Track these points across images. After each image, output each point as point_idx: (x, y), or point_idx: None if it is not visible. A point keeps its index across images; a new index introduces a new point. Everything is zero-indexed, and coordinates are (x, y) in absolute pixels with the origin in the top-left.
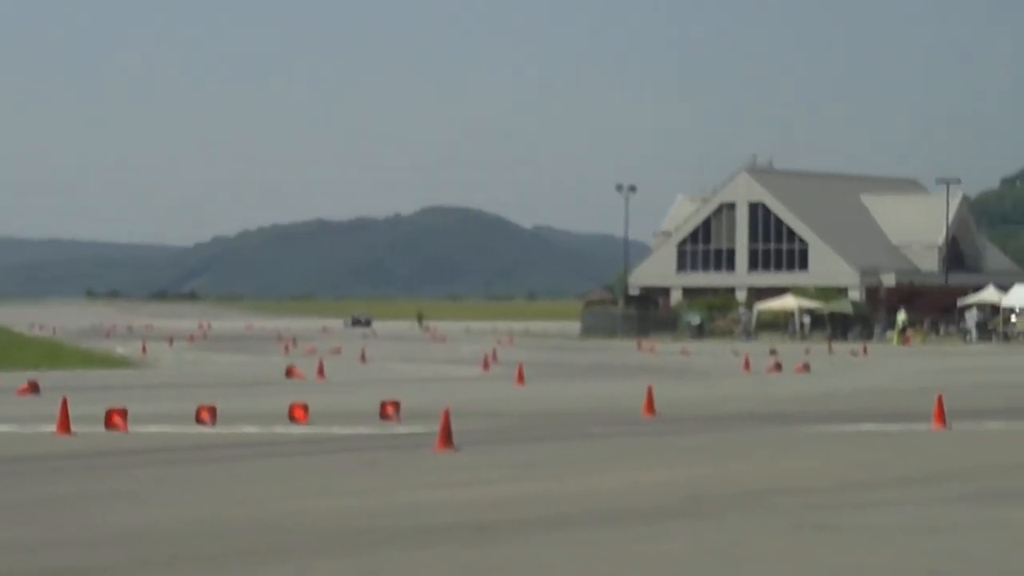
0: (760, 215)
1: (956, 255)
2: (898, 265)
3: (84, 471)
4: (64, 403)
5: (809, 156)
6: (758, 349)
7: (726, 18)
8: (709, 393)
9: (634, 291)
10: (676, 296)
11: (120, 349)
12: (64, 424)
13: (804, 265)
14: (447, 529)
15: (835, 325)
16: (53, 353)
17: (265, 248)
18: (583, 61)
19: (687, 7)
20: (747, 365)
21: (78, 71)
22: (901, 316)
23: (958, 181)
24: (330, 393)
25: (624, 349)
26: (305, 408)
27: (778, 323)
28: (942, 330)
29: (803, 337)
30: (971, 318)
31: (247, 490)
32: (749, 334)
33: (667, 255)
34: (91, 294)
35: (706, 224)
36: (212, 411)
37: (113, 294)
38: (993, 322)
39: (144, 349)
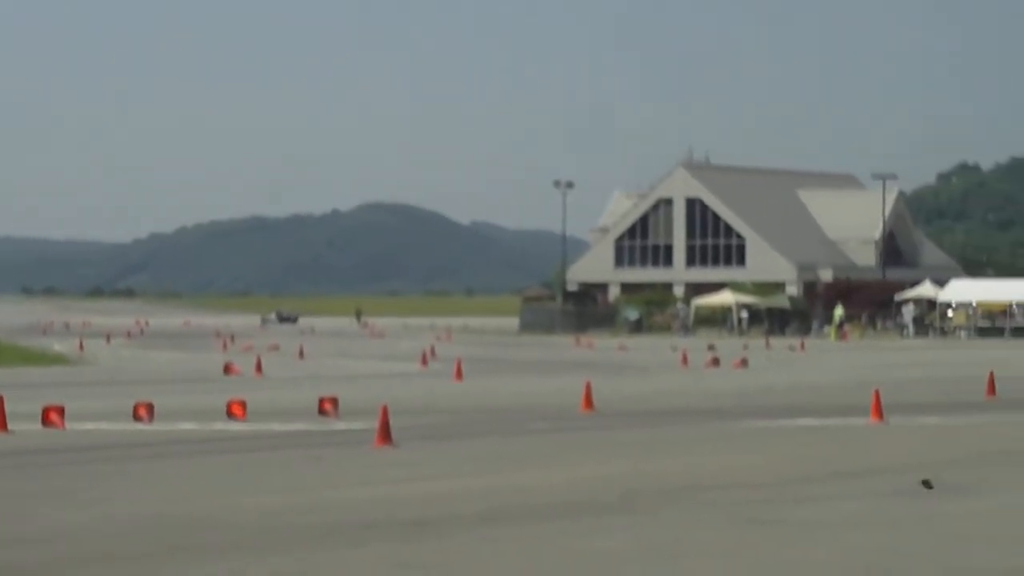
0: (697, 211)
1: (893, 250)
2: (835, 260)
3: (20, 469)
4: (0, 400)
5: (746, 152)
6: (696, 344)
7: (662, 15)
8: (647, 388)
9: (572, 287)
10: (614, 292)
11: (57, 346)
12: (1, 422)
13: (741, 261)
14: (382, 525)
15: (773, 320)
16: None
17: (203, 245)
18: (520, 57)
19: (623, 4)
20: (685, 360)
21: (8, 68)
22: (838, 311)
23: (894, 177)
24: (268, 389)
25: (562, 345)
26: (243, 405)
27: (716, 318)
28: (879, 325)
29: (741, 332)
30: (908, 313)
31: (184, 487)
32: (687, 329)
33: (604, 251)
34: (28, 291)
35: (643, 220)
36: (150, 408)
37: (50, 291)
38: (930, 317)
39: (81, 346)
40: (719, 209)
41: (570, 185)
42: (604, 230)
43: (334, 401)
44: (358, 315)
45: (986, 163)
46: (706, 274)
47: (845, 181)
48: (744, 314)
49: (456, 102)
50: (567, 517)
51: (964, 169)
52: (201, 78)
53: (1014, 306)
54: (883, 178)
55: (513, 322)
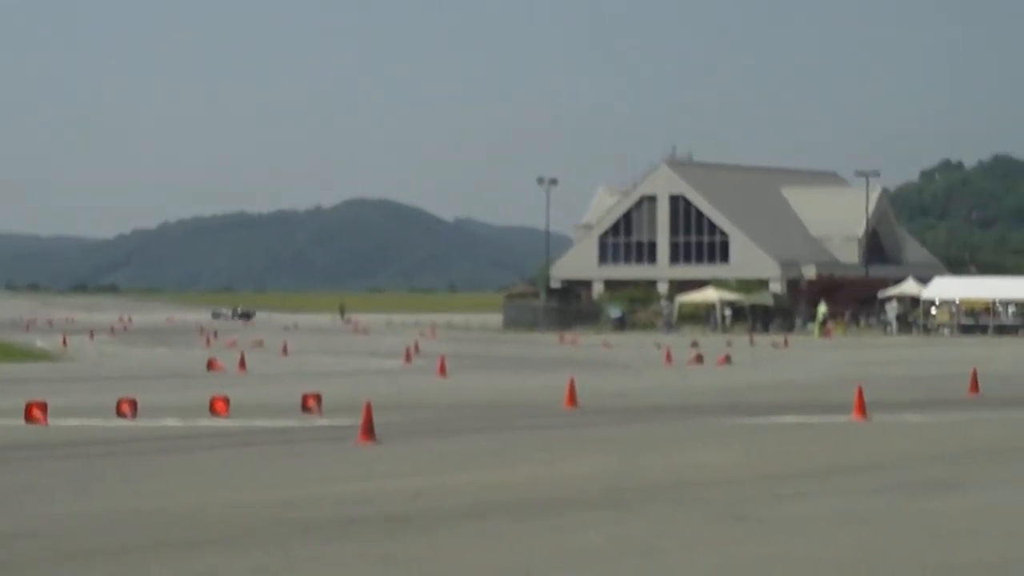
0: (681, 207)
1: (876, 247)
2: (818, 257)
3: (2, 464)
4: None
5: (729, 149)
6: (680, 341)
7: (646, 11)
8: (631, 385)
9: (556, 284)
10: (598, 289)
11: (40, 342)
12: None
13: (725, 257)
14: (366, 521)
15: (756, 317)
16: None
17: (186, 240)
18: (504, 53)
19: (607, 2)
20: (669, 357)
21: None
22: (822, 308)
23: (877, 174)
24: (252, 386)
25: (546, 342)
26: (226, 401)
27: (699, 315)
28: (862, 322)
29: (724, 329)
30: (891, 310)
31: (164, 483)
32: (671, 326)
33: (588, 248)
34: (11, 287)
35: (627, 217)
36: (133, 404)
37: (33, 287)
38: (913, 314)
39: (64, 342)
40: (703, 206)
41: (554, 182)
42: (588, 227)
43: (318, 397)
44: (342, 311)
45: (969, 161)
46: (690, 271)
47: (828, 178)
48: (728, 311)
49: (440, 99)
50: (551, 513)
51: (947, 167)
52: (185, 75)
53: (997, 304)
54: (866, 175)
55: (497, 319)
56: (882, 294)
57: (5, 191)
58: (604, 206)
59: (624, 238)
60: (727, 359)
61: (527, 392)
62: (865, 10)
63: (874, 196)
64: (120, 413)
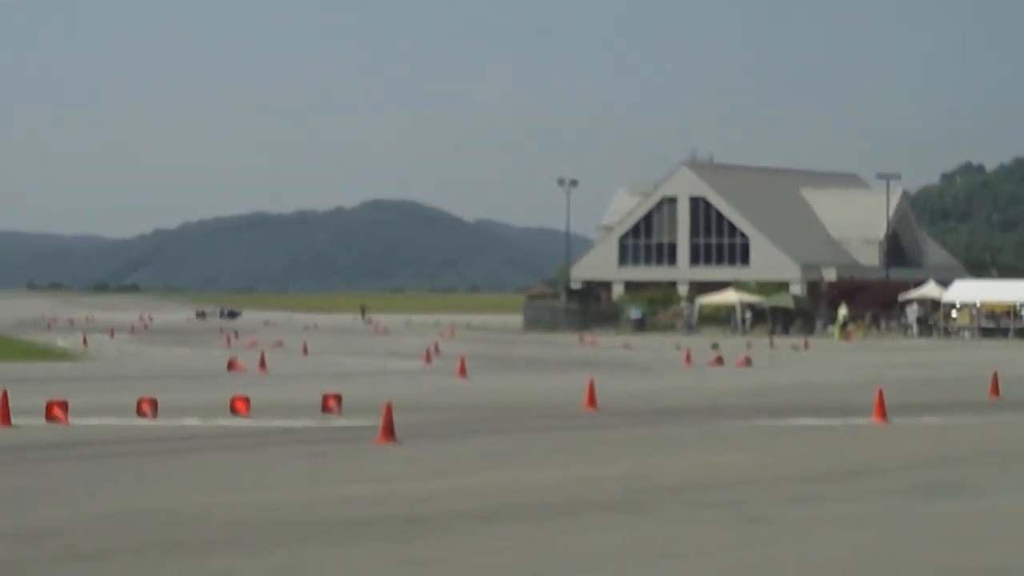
0: (701, 209)
1: (896, 250)
2: (839, 260)
3: (23, 463)
4: (4, 395)
5: (749, 151)
6: (700, 343)
7: (667, 13)
8: (651, 387)
9: (576, 285)
10: (618, 290)
11: (61, 341)
12: (4, 416)
13: (745, 259)
14: (383, 522)
15: (776, 319)
16: None
17: (206, 240)
18: (524, 55)
19: (628, 2)
20: (688, 359)
21: (9, 64)
22: (842, 311)
23: (898, 176)
24: (272, 386)
25: (566, 343)
26: (247, 401)
27: (720, 317)
28: (883, 325)
29: (745, 331)
30: (912, 313)
31: (186, 483)
32: (691, 328)
33: (609, 249)
34: (32, 286)
35: (647, 218)
36: (153, 404)
37: (55, 286)
38: (934, 317)
39: (85, 341)
40: (723, 208)
41: (574, 183)
42: (608, 228)
43: (338, 398)
44: (363, 312)
45: (990, 163)
46: (710, 273)
47: (849, 180)
48: (748, 313)
49: (461, 99)
50: (568, 515)
51: (968, 169)
52: (205, 75)
53: (1018, 306)
54: (887, 178)
55: (517, 320)
56: (903, 297)
57: (27, 191)
58: (624, 208)
59: (644, 239)
60: (747, 361)
61: (547, 393)
62: (887, 11)
63: (895, 198)
64: (140, 413)
